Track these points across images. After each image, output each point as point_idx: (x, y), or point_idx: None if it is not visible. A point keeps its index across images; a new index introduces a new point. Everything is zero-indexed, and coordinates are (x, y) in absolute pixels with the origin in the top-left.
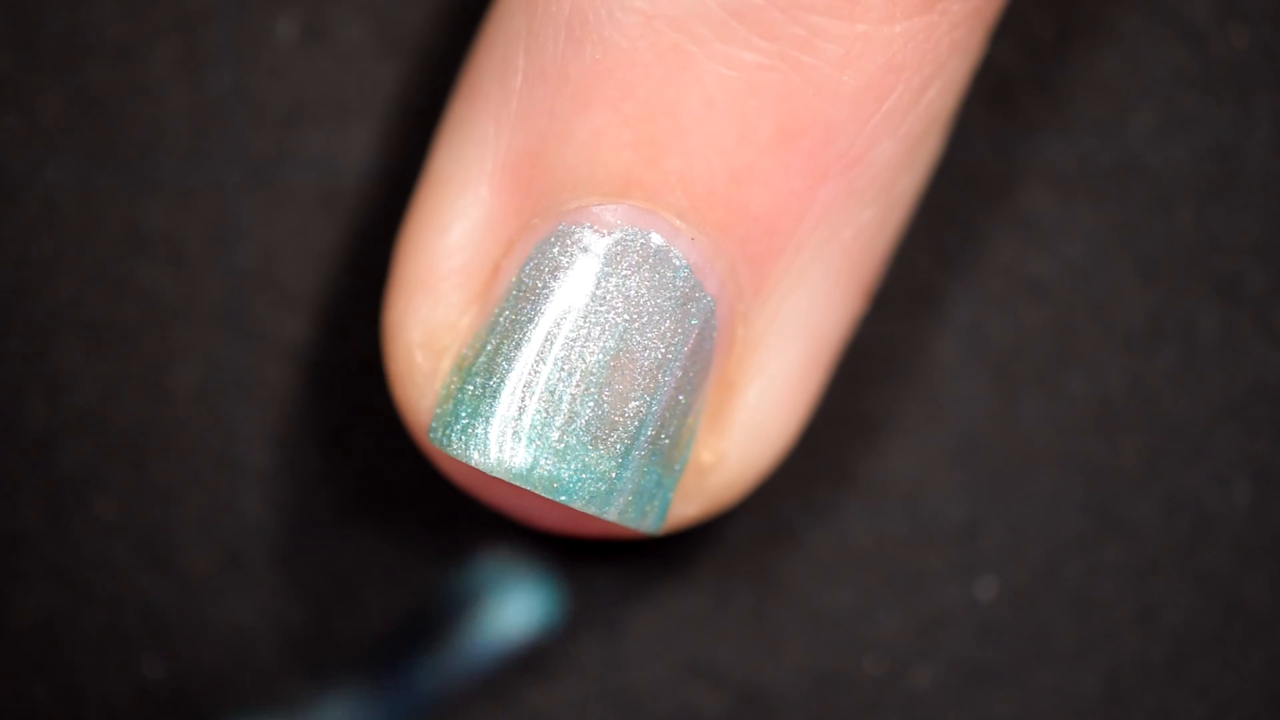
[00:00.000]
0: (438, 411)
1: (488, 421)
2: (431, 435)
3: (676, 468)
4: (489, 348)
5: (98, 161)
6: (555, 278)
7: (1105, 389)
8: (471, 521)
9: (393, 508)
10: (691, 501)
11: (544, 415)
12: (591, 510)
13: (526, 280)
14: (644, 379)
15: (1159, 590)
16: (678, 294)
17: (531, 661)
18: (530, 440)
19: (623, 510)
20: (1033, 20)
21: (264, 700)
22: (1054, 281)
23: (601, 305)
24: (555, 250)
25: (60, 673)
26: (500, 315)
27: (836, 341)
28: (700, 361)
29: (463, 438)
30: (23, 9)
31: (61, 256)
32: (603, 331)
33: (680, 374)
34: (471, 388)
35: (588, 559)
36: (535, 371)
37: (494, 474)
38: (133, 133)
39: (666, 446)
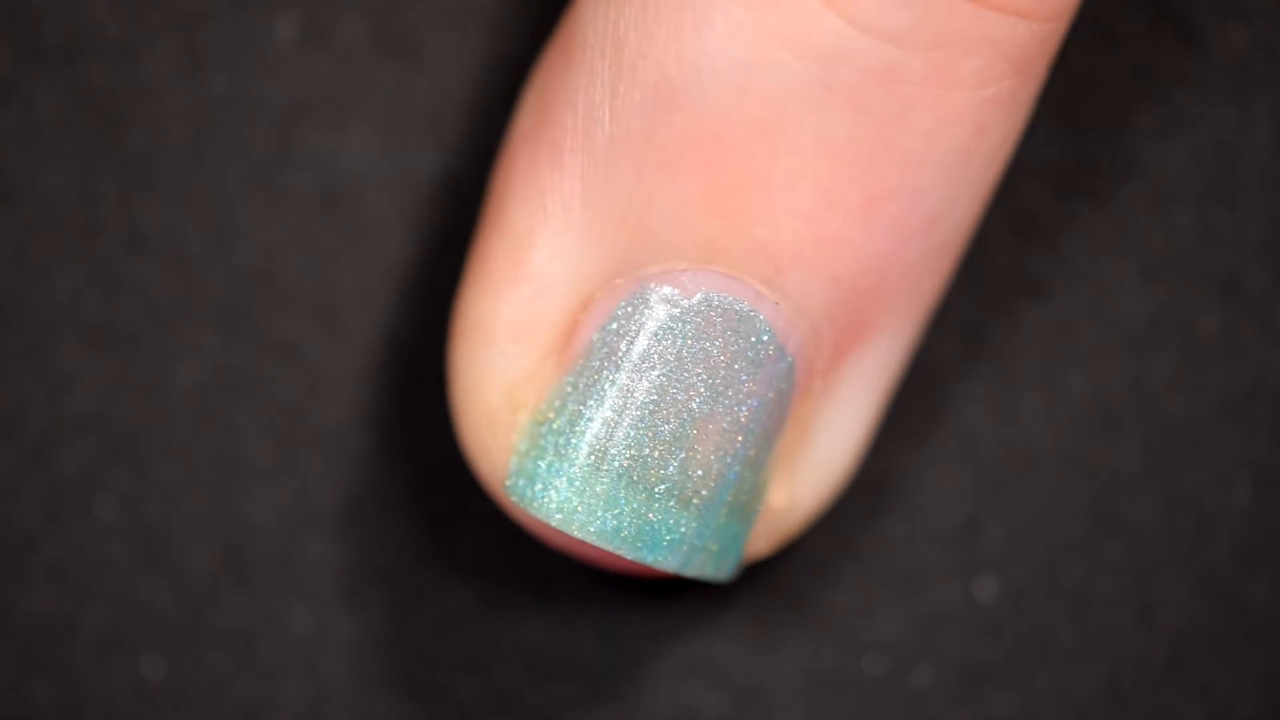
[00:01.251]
0: (514, 467)
1: (568, 482)
2: (509, 489)
3: (753, 518)
4: (570, 407)
5: (98, 161)
6: (637, 339)
7: (1105, 389)
8: (472, 522)
9: (393, 508)
10: (763, 540)
11: (624, 478)
12: (673, 569)
13: (609, 340)
14: (724, 441)
15: (1159, 590)
16: (760, 358)
17: (531, 661)
18: (610, 503)
19: (702, 566)
20: None
21: (264, 700)
22: (1054, 281)
23: (683, 369)
24: (638, 312)
25: (60, 673)
26: (580, 374)
27: (899, 376)
28: (778, 417)
29: (543, 497)
30: (23, 9)
31: (61, 257)
32: (684, 395)
33: (760, 433)
34: (551, 446)
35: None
36: (614, 433)
37: (573, 535)
38: (133, 133)
39: (745, 502)
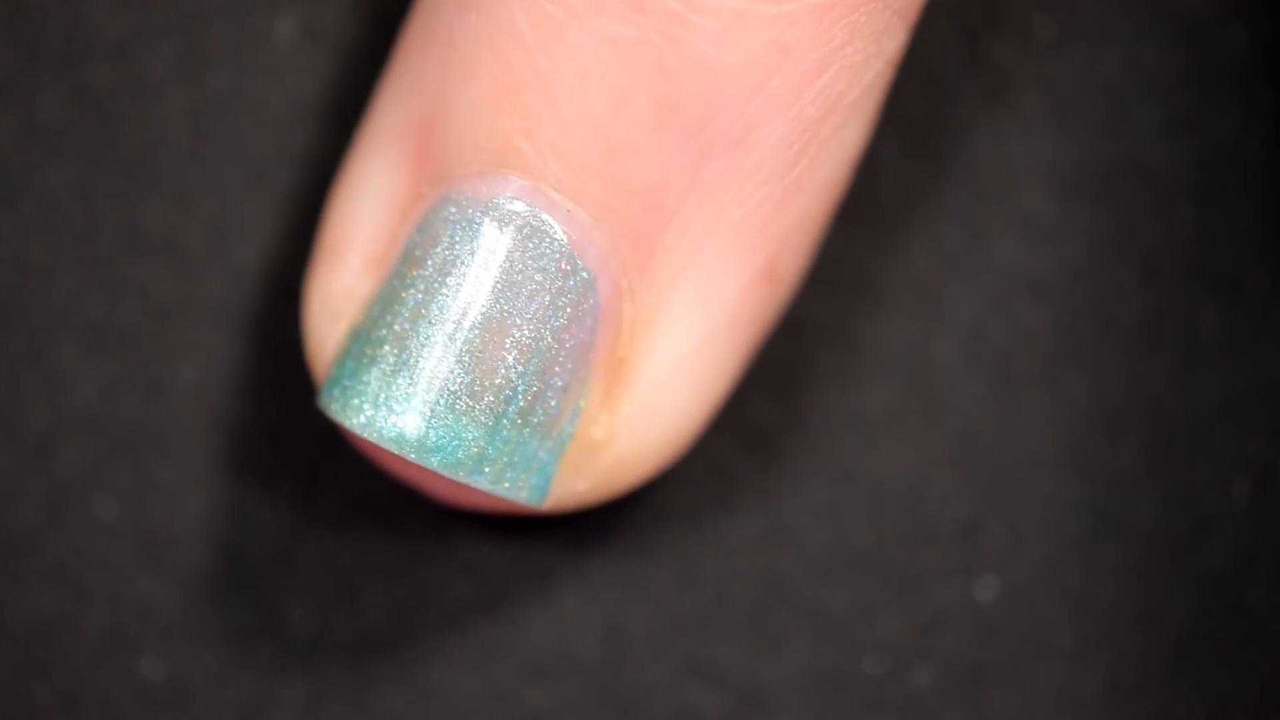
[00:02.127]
0: (328, 376)
1: (365, 387)
2: (322, 399)
3: (555, 441)
4: (375, 314)
5: (98, 161)
6: (436, 246)
7: (1105, 389)
8: (471, 521)
9: (393, 508)
10: (582, 477)
11: (416, 383)
12: (460, 477)
13: (411, 248)
14: (516, 349)
15: (1159, 590)
16: (554, 266)
17: (531, 661)
18: (401, 407)
19: (495, 480)
20: (1033, 20)
21: (264, 700)
22: (1054, 281)
23: (477, 275)
24: (438, 218)
25: (60, 673)
26: (388, 283)
27: (740, 323)
28: (580, 335)
29: (342, 403)
30: (23, 9)
31: (61, 257)
32: (477, 301)
33: (556, 346)
34: (354, 355)
35: (588, 559)
36: (411, 339)
37: (370, 440)
38: (133, 133)
39: (543, 419)
